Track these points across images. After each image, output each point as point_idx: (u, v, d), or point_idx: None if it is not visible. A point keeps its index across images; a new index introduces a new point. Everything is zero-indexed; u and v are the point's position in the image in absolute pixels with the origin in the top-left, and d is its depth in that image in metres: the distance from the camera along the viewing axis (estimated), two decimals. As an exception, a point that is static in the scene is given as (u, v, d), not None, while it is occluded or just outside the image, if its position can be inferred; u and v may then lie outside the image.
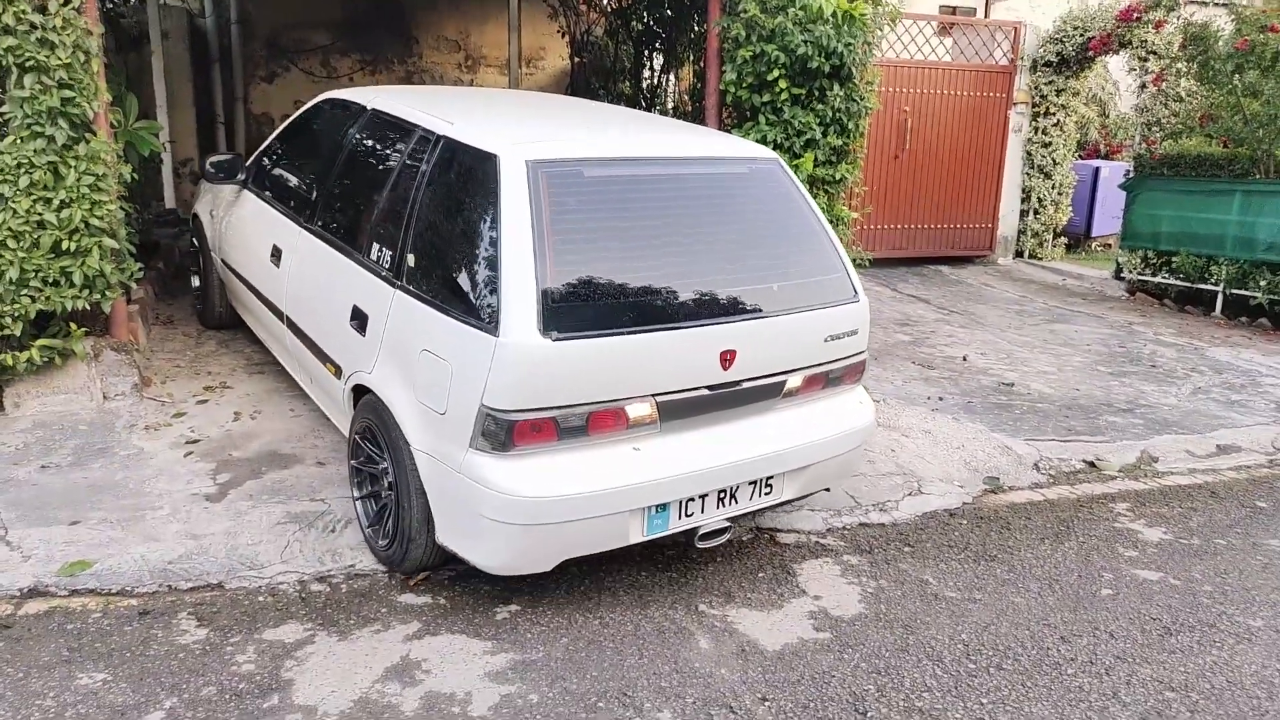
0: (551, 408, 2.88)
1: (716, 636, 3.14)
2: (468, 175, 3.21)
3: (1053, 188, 10.66)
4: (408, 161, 3.55)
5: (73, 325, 4.62)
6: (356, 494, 3.56)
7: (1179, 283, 8.70)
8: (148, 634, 2.97)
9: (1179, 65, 8.76)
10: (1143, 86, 9.78)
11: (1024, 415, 5.45)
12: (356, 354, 3.50)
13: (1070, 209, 11.01)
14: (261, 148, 5.06)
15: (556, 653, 2.99)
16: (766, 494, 3.36)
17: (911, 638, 3.21)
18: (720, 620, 3.24)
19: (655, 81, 10.70)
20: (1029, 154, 10.49)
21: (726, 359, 3.14)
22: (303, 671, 2.82)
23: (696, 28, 9.24)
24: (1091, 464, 4.86)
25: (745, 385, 3.24)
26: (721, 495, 3.22)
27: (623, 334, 2.95)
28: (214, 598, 3.18)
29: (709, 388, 3.15)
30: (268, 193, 4.71)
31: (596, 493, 2.94)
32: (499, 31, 11.68)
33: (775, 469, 3.33)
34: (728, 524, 3.25)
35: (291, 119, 4.92)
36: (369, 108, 4.10)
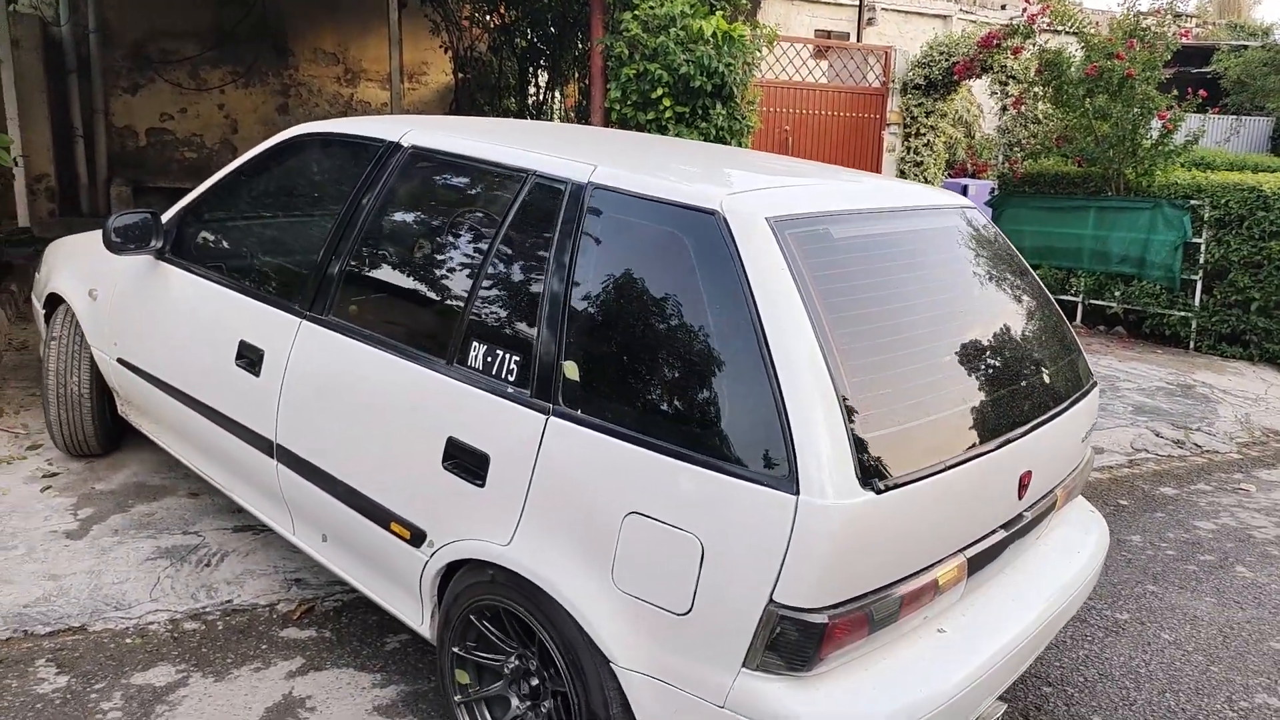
0: (868, 595, 1.95)
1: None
2: (665, 241, 2.21)
3: (925, 205, 11.13)
4: (522, 222, 2.47)
5: (-89, 353, 4.29)
6: None
7: (1042, 294, 9.19)
8: (0, 685, 2.75)
9: (1036, 89, 9.26)
10: (1004, 109, 10.37)
11: (904, 424, 5.63)
12: (462, 513, 2.37)
13: (942, 225, 11.52)
14: (189, 202, 3.58)
15: (449, 681, 2.91)
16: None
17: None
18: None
19: (541, 98, 10.71)
20: (903, 172, 10.94)
21: (1024, 484, 2.36)
22: (175, 716, 2.65)
23: (580, 45, 9.30)
24: (968, 469, 5.06)
25: (1027, 515, 2.45)
26: None
27: (942, 471, 2.07)
28: (76, 642, 2.97)
29: (1004, 526, 2.34)
30: (214, 267, 3.40)
31: (928, 712, 2.02)
32: (379, 45, 11.48)
33: (1059, 624, 2.58)
34: (1004, 703, 2.43)
35: (241, 163, 3.50)
36: (405, 145, 2.88)
